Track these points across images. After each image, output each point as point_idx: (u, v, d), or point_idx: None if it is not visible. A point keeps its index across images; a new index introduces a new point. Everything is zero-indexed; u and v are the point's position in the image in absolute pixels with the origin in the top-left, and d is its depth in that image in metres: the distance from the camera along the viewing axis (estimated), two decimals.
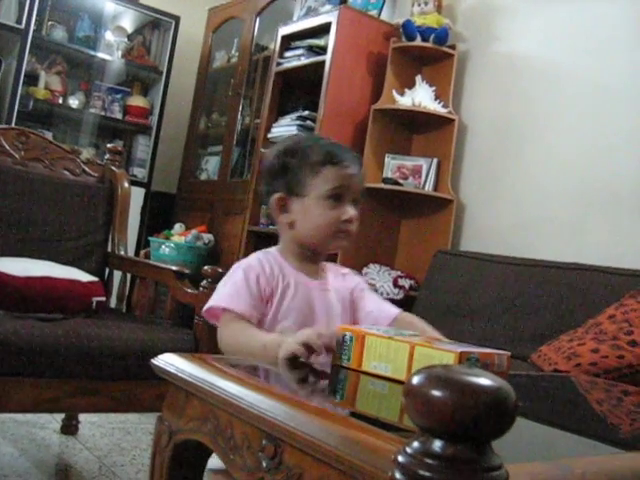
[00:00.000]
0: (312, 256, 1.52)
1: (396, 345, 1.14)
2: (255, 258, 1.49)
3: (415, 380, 0.62)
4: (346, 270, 1.63)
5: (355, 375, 1.17)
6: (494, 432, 0.59)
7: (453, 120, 3.52)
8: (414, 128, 3.76)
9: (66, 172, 2.75)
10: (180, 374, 1.07)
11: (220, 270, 2.23)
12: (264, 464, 0.89)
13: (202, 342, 2.19)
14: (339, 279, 1.57)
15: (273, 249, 1.54)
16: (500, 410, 0.58)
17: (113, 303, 2.69)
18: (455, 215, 3.46)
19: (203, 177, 4.95)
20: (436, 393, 0.59)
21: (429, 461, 0.60)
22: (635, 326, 2.21)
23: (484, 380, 0.60)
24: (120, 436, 2.79)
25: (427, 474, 0.59)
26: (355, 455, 0.72)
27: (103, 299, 2.35)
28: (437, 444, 0.60)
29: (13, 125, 4.14)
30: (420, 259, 3.52)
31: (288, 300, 1.45)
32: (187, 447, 1.10)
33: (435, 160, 3.53)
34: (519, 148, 3.33)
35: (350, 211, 1.46)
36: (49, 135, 4.31)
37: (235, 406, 0.94)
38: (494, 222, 3.37)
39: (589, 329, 2.34)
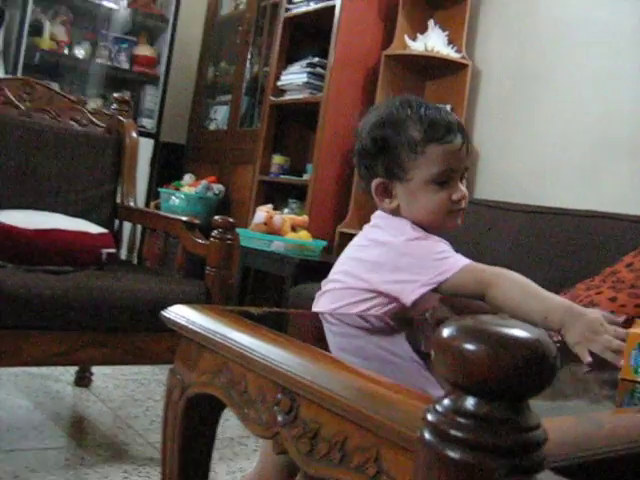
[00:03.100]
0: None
1: None
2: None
3: (446, 332, 0.56)
4: None
5: None
6: (533, 388, 0.54)
7: (467, 65, 3.43)
8: (427, 74, 3.67)
9: (73, 123, 2.69)
10: (191, 326, 1.03)
11: (231, 220, 2.20)
12: (280, 418, 0.86)
13: (214, 293, 2.16)
14: None
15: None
16: (540, 364, 0.53)
17: (123, 255, 2.66)
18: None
19: (212, 127, 4.89)
20: (470, 347, 0.54)
21: (461, 420, 0.55)
22: None
23: (521, 332, 0.55)
24: (133, 388, 2.79)
25: (459, 434, 0.54)
26: (379, 411, 0.67)
27: (113, 251, 2.32)
28: (470, 402, 0.55)
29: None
30: None
31: None
32: (200, 400, 1.08)
33: (448, 106, 3.45)
34: (534, 93, 3.24)
35: (461, 189, 1.35)
36: (55, 86, 4.24)
37: (248, 358, 0.90)
38: (509, 169, 3.30)
39: (606, 277, 2.30)
